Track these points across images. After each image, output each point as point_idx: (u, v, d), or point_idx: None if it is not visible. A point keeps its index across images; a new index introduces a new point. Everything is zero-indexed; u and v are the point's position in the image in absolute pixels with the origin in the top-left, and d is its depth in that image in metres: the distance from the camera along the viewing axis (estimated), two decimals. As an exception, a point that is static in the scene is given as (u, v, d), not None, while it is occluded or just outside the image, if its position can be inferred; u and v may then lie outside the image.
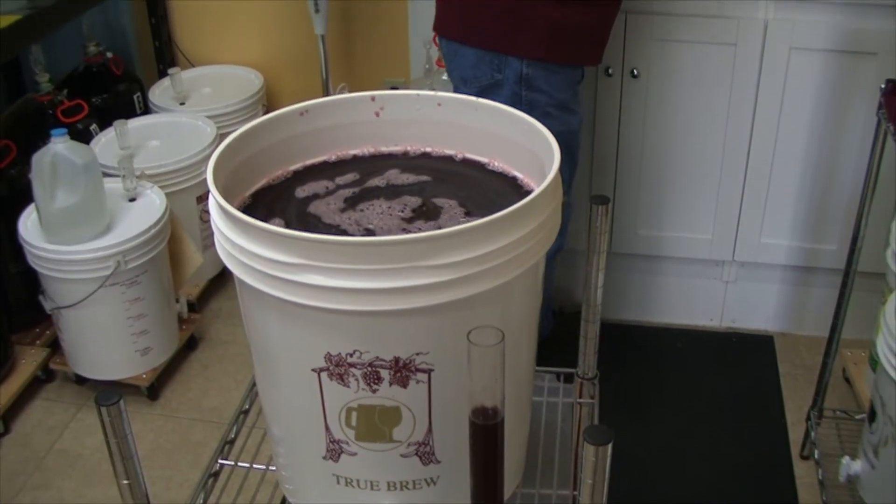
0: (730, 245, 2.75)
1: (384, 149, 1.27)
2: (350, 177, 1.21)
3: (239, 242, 1.00)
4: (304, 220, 1.12)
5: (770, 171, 2.63)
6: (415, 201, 1.15)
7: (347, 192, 1.17)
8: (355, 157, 1.26)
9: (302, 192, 1.18)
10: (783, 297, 2.86)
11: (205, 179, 2.70)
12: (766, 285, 2.84)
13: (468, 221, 1.08)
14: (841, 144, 2.57)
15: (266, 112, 3.19)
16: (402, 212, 1.13)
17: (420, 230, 1.09)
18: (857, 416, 2.36)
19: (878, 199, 2.15)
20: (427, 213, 1.12)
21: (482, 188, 1.19)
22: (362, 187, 1.19)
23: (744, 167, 2.63)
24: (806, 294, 2.84)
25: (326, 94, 3.03)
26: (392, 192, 1.18)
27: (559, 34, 2.12)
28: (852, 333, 2.42)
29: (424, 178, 1.21)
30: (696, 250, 2.80)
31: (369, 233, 1.09)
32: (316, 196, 1.17)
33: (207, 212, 1.16)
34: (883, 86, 2.08)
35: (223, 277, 3.05)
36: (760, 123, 2.57)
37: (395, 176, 1.21)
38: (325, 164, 1.25)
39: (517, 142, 1.18)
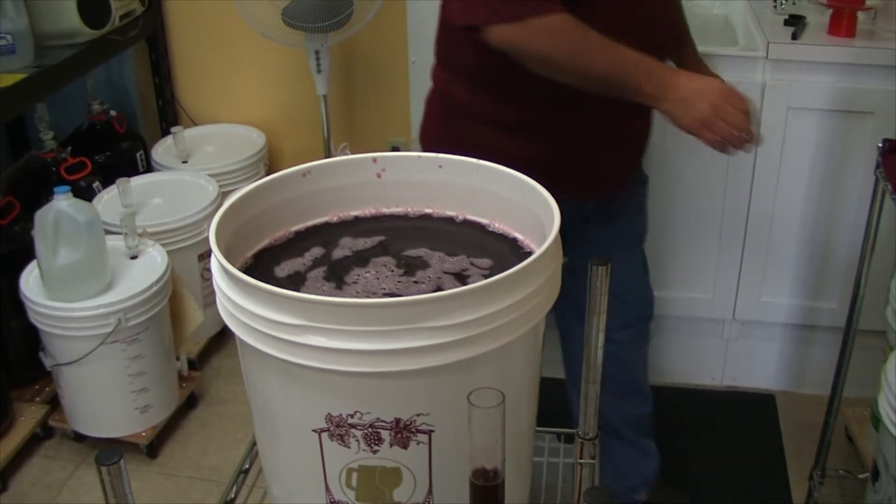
0: (730, 304, 2.76)
1: (385, 210, 1.28)
2: (316, 251, 1.21)
3: (241, 303, 1.01)
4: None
5: (769, 230, 2.64)
6: (390, 261, 1.16)
7: (321, 272, 1.16)
8: (357, 218, 1.27)
9: (281, 271, 1.17)
10: (784, 355, 2.86)
11: (206, 238, 2.71)
12: (767, 344, 2.84)
13: (456, 259, 1.09)
14: (839, 203, 2.58)
15: (268, 171, 3.23)
16: (393, 271, 1.13)
17: (430, 278, 1.10)
18: (861, 476, 2.35)
19: (877, 258, 2.16)
20: (418, 264, 1.14)
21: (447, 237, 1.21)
22: (331, 262, 1.19)
23: (743, 226, 2.64)
24: (807, 352, 2.83)
25: (328, 153, 3.05)
26: (359, 258, 1.19)
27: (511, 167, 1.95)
28: (854, 391, 2.41)
29: (378, 237, 1.23)
30: (696, 309, 2.80)
31: (389, 296, 1.09)
32: (298, 276, 1.16)
33: (209, 270, 1.16)
34: (880, 145, 2.10)
35: (224, 335, 3.05)
36: (759, 183, 2.58)
37: (350, 243, 1.22)
38: (326, 224, 1.26)
39: (518, 203, 1.19)
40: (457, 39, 1.84)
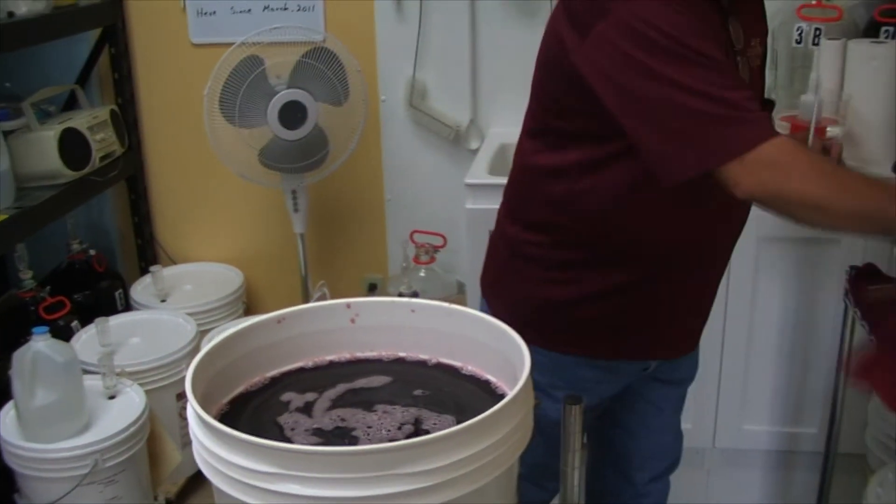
0: (710, 433, 2.75)
1: (360, 354, 1.30)
2: (291, 397, 1.21)
3: (216, 451, 1.02)
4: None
5: (746, 358, 2.65)
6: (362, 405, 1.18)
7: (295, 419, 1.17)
8: (331, 363, 1.29)
9: (258, 418, 1.18)
10: (766, 481, 2.84)
11: (184, 378, 2.70)
12: (749, 471, 2.83)
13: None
14: (813, 329, 2.61)
15: (246, 309, 3.23)
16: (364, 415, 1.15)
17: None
18: None
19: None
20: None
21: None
22: (303, 409, 1.19)
23: (719, 355, 2.66)
24: (789, 478, 2.82)
25: (305, 291, 3.07)
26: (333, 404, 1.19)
27: (524, 311, 1.77)
28: (837, 517, 2.41)
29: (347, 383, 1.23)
30: (676, 437, 2.79)
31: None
32: (274, 423, 1.17)
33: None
34: (847, 271, 2.14)
35: (202, 475, 2.98)
36: (733, 312, 2.61)
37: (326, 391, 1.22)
38: (301, 369, 1.27)
39: (490, 347, 1.20)
40: (538, 196, 1.70)
